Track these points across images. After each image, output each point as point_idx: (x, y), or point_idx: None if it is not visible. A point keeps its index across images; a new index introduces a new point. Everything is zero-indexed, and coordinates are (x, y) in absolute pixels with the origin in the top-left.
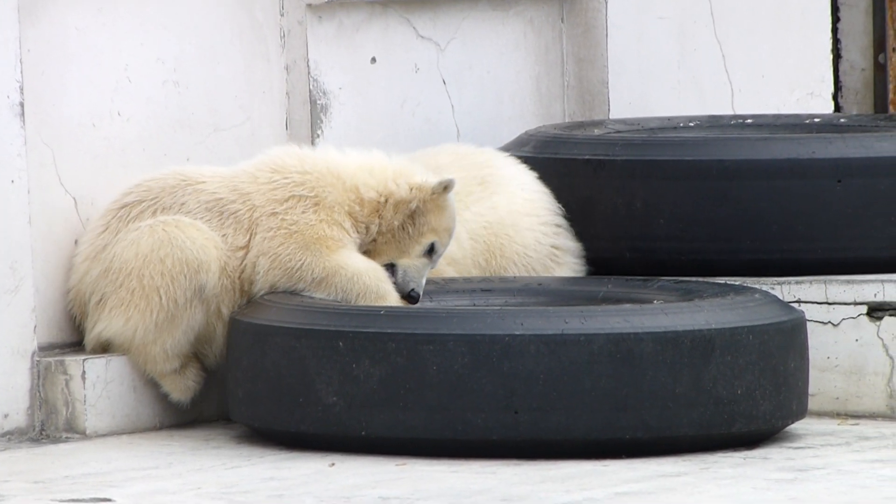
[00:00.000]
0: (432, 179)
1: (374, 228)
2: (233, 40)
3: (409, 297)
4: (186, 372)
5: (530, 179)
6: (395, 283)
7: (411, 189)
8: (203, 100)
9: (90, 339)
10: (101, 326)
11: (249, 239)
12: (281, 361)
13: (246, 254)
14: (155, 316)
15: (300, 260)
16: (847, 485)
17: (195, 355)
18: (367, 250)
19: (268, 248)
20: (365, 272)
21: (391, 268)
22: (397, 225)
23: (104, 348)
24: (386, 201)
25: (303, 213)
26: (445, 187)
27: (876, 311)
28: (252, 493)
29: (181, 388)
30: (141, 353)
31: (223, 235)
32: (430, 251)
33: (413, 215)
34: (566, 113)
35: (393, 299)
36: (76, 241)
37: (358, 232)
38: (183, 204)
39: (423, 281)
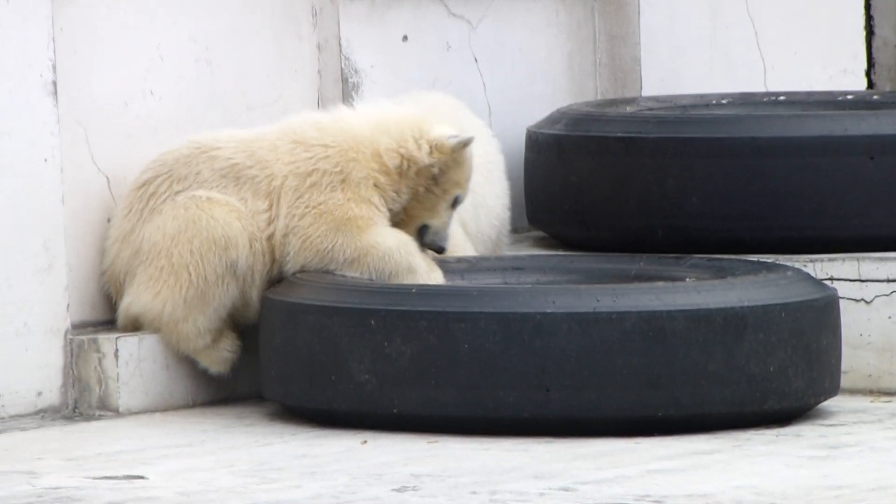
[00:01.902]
0: (450, 138)
1: (403, 196)
2: (264, 19)
3: (438, 251)
4: (220, 344)
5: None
6: (424, 242)
7: (431, 150)
8: (235, 78)
9: (119, 312)
10: (129, 299)
11: (270, 205)
12: (313, 339)
13: (270, 218)
14: (184, 292)
15: (332, 241)
16: (880, 462)
17: (229, 325)
18: (399, 216)
19: (297, 227)
20: (396, 249)
21: (423, 228)
22: (422, 190)
23: (135, 326)
24: (409, 167)
25: (331, 191)
26: (465, 145)
27: None
28: (284, 471)
29: (218, 360)
30: (172, 332)
31: (241, 199)
32: (454, 203)
33: (436, 177)
34: (598, 90)
35: (422, 271)
36: (109, 220)
37: (387, 204)
38: (198, 173)
39: (450, 230)
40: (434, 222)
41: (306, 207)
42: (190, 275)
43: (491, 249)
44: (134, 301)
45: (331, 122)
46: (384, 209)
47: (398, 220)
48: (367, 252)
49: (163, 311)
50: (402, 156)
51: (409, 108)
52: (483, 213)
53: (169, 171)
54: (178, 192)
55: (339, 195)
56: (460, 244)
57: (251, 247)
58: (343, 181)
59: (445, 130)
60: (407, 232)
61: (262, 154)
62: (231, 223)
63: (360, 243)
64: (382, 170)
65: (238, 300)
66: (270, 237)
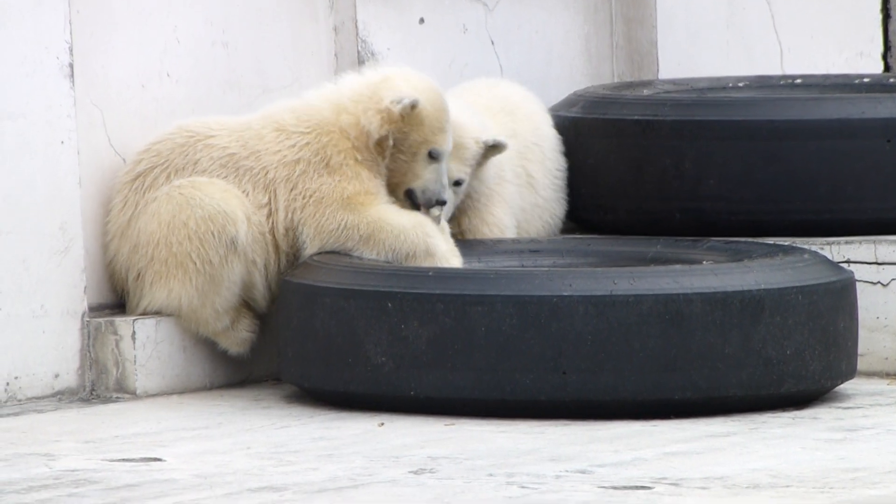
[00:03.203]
0: (396, 103)
1: (381, 167)
2: (281, 1)
3: (438, 204)
4: (238, 325)
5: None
6: (420, 204)
7: (381, 121)
8: (251, 61)
9: (137, 313)
10: (146, 302)
11: (269, 198)
12: (330, 322)
13: (270, 211)
14: (194, 282)
15: (341, 220)
16: None
17: (246, 306)
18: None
19: (303, 219)
20: (411, 229)
21: (410, 193)
22: (389, 162)
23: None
24: (368, 137)
25: (318, 177)
26: (413, 107)
27: None
28: (302, 453)
29: (237, 341)
30: (192, 319)
31: (243, 192)
32: (433, 157)
33: (395, 144)
34: (615, 73)
35: (441, 253)
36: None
37: (378, 173)
38: (196, 162)
39: (444, 180)
40: (416, 184)
41: (303, 199)
42: (195, 263)
43: None
44: (150, 303)
45: (301, 107)
46: (377, 179)
47: (389, 190)
48: (381, 228)
49: (180, 306)
50: (362, 130)
51: (369, 74)
52: (538, 214)
53: (165, 162)
54: None
55: (327, 179)
56: (507, 228)
57: (248, 227)
58: (326, 166)
59: (397, 93)
60: (396, 202)
61: (253, 144)
62: (227, 199)
63: (370, 218)
64: (355, 145)
65: (245, 278)
66: (272, 230)
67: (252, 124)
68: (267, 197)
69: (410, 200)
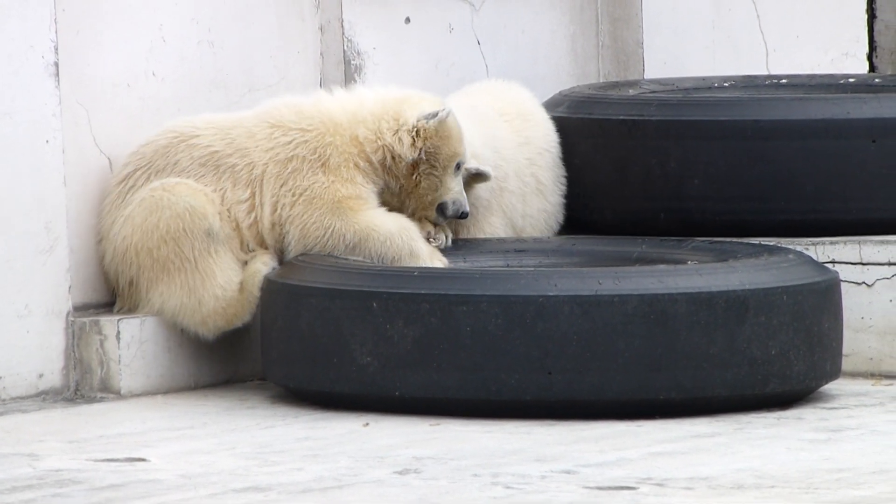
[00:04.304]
0: (429, 119)
1: (393, 187)
2: (267, 0)
3: (461, 217)
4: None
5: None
6: (447, 216)
7: (413, 141)
8: (238, 60)
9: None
10: (146, 310)
11: (252, 194)
12: (315, 322)
13: (251, 206)
14: (179, 281)
15: (328, 226)
16: (881, 445)
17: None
18: (413, 212)
19: (291, 216)
20: (397, 233)
21: (442, 206)
22: (422, 180)
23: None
24: (394, 162)
25: (312, 175)
26: (446, 117)
27: None
28: (287, 453)
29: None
30: (192, 318)
31: (220, 190)
32: (458, 169)
33: (428, 161)
34: (601, 73)
35: (425, 255)
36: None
37: (373, 181)
38: (176, 163)
39: (464, 196)
40: (448, 197)
41: (293, 196)
42: (173, 263)
43: None
44: (149, 312)
45: (309, 106)
46: (370, 186)
47: (416, 207)
48: (368, 236)
49: (175, 308)
50: (383, 149)
51: (385, 93)
52: (545, 219)
53: (148, 164)
54: None
55: (321, 178)
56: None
57: (220, 222)
58: (323, 165)
59: (422, 110)
60: (428, 216)
61: (241, 141)
62: (196, 196)
63: (358, 226)
64: (362, 155)
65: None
66: (253, 225)
67: (244, 122)
68: (249, 192)
69: (441, 214)
